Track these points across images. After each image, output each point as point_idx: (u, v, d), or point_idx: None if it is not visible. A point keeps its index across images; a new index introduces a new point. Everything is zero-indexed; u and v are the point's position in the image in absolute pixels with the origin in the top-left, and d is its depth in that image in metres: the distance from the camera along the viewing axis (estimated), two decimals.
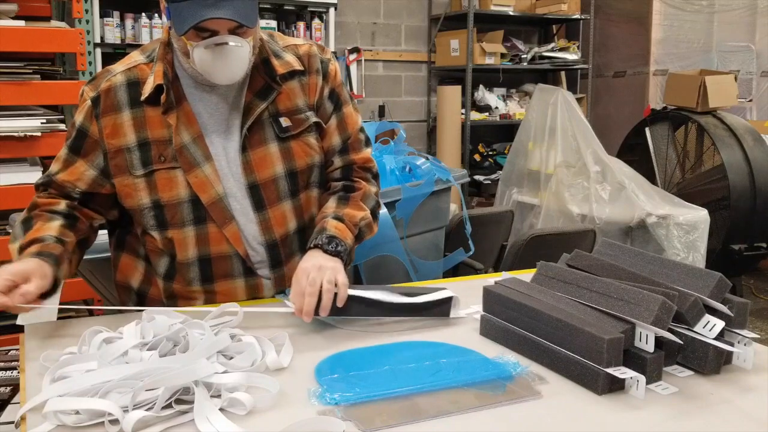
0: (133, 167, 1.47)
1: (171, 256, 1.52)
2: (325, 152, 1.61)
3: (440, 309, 1.45)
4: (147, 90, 1.46)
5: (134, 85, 1.48)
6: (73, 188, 1.50)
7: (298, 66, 1.55)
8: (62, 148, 1.53)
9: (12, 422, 1.15)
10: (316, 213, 1.59)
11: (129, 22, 4.12)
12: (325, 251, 1.44)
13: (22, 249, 1.38)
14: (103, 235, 2.42)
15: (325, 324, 1.41)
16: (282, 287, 1.57)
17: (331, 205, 1.56)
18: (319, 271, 1.35)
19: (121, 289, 1.63)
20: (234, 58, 1.40)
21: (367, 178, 1.65)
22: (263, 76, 1.52)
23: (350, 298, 1.38)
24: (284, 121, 1.53)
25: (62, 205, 1.48)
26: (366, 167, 1.65)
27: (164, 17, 1.44)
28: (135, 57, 1.53)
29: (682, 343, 1.17)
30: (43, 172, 3.23)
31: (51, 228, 1.42)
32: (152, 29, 4.14)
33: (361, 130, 1.66)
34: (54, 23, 3.43)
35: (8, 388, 2.42)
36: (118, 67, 1.51)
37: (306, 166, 1.55)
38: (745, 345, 1.23)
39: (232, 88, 1.51)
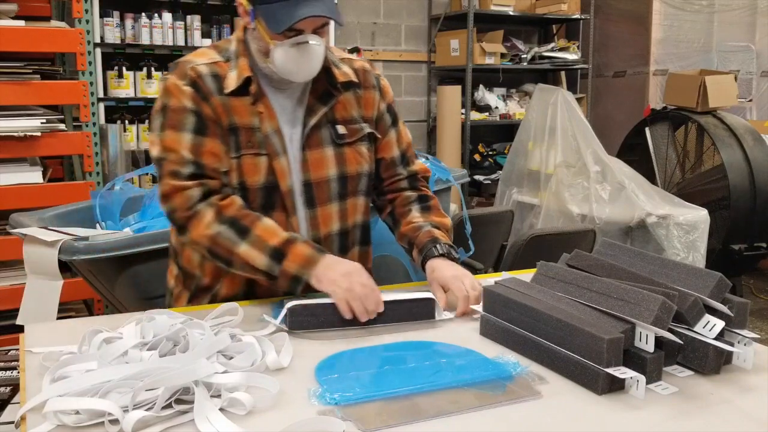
0: (230, 149, 1.54)
1: None
2: (386, 164, 1.72)
3: (424, 311, 1.46)
4: (231, 83, 1.53)
5: (217, 77, 1.54)
6: (221, 169, 1.53)
7: (354, 78, 1.65)
8: (178, 137, 1.51)
9: (12, 422, 1.15)
10: (361, 220, 1.68)
11: (129, 22, 4.11)
12: (452, 259, 1.59)
13: (279, 248, 1.45)
14: (102, 235, 2.41)
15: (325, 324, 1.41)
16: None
17: (417, 214, 1.69)
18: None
19: (185, 275, 1.65)
20: (314, 57, 1.50)
21: (427, 186, 1.79)
22: (324, 83, 1.61)
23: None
24: (340, 129, 1.62)
25: (239, 199, 1.53)
26: (426, 177, 1.79)
27: (246, 18, 1.52)
28: (211, 54, 1.58)
29: (681, 343, 1.17)
30: (44, 172, 3.26)
31: (272, 224, 1.50)
32: (152, 29, 4.13)
33: (410, 143, 1.79)
34: (54, 23, 3.43)
35: (8, 388, 2.42)
36: (199, 59, 1.57)
37: (356, 173, 1.64)
38: (745, 345, 1.23)
39: (297, 90, 1.60)
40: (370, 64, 1.74)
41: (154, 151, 1.54)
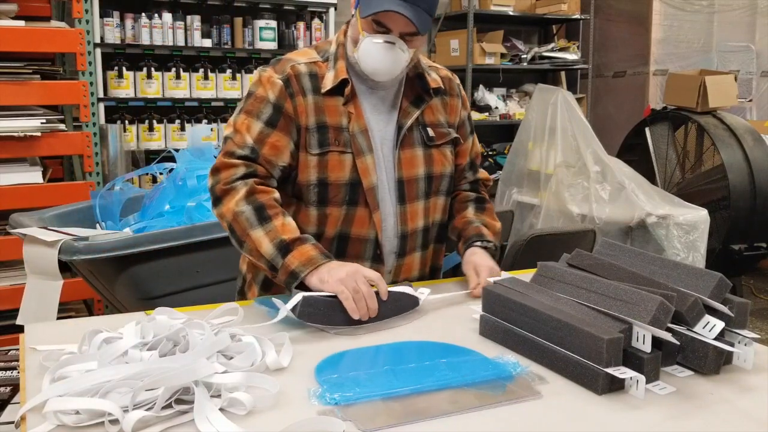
0: (310, 146, 1.61)
1: (318, 232, 1.64)
2: (459, 168, 1.83)
3: (409, 301, 1.50)
4: (328, 83, 1.62)
5: (314, 77, 1.64)
6: (277, 164, 1.60)
7: (441, 85, 1.76)
8: (250, 123, 1.60)
9: (12, 422, 1.15)
10: (439, 218, 1.77)
11: (129, 22, 4.12)
12: (491, 253, 1.70)
13: (288, 243, 1.49)
14: (102, 235, 2.42)
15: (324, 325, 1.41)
16: (397, 278, 1.71)
17: (471, 212, 1.81)
18: (496, 270, 1.63)
19: (251, 265, 1.73)
20: (395, 59, 1.57)
21: (487, 192, 1.91)
22: (417, 88, 1.71)
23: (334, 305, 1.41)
24: (430, 131, 1.72)
25: (277, 194, 1.59)
26: (487, 184, 1.92)
27: (353, 10, 1.62)
28: (312, 54, 1.68)
29: (678, 343, 1.17)
30: (44, 172, 3.26)
31: (294, 225, 1.55)
32: (152, 29, 4.14)
33: (479, 153, 1.92)
34: (54, 23, 3.43)
35: (8, 388, 2.42)
36: (300, 58, 1.67)
37: (440, 173, 1.73)
38: (745, 345, 1.23)
39: (390, 93, 1.69)
40: (452, 73, 1.83)
41: (227, 130, 1.64)
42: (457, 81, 1.83)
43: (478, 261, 1.65)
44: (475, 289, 1.59)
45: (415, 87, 1.71)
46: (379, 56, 1.56)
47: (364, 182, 1.62)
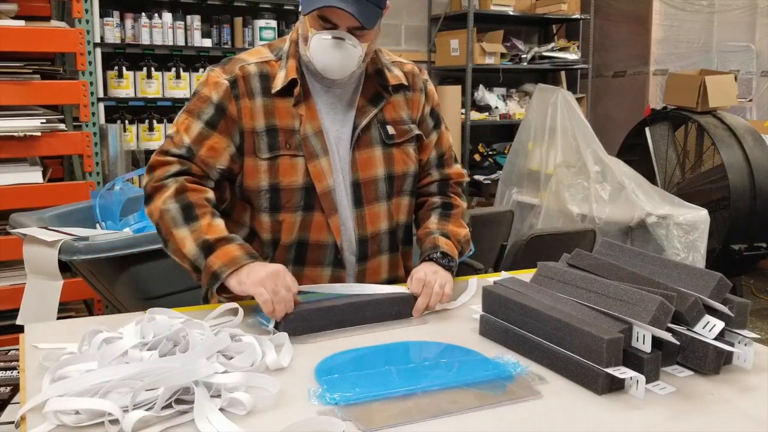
0: (260, 150, 1.57)
1: (274, 239, 1.60)
2: (422, 165, 1.75)
3: (405, 308, 1.49)
4: (279, 83, 1.57)
5: (265, 77, 1.59)
6: (214, 166, 1.56)
7: (404, 81, 1.70)
8: (190, 123, 1.56)
9: (12, 422, 1.15)
10: (405, 219, 1.71)
11: (129, 22, 4.11)
12: (441, 265, 1.59)
13: (211, 243, 1.44)
14: (102, 235, 2.42)
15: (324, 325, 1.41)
16: (362, 281, 1.64)
17: (434, 221, 1.72)
18: (434, 275, 1.54)
19: (264, 255, 1.66)
20: (346, 56, 1.51)
21: (459, 193, 1.81)
22: (375, 85, 1.66)
23: (317, 312, 1.40)
24: (390, 129, 1.65)
25: (210, 194, 1.55)
26: (459, 182, 1.82)
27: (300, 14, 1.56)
28: (264, 53, 1.63)
29: (678, 343, 1.17)
30: (44, 172, 3.26)
31: (222, 225, 1.50)
32: (152, 29, 4.14)
33: (450, 147, 1.82)
34: (54, 23, 3.43)
35: (8, 388, 2.42)
36: (250, 58, 1.61)
37: (402, 173, 1.67)
38: (745, 345, 1.23)
39: (347, 91, 1.64)
40: (419, 68, 1.78)
41: (170, 129, 1.59)
42: (424, 76, 1.77)
43: (419, 273, 1.55)
44: (416, 312, 1.50)
45: (373, 84, 1.65)
46: (328, 53, 1.50)
47: (317, 186, 1.56)
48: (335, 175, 1.59)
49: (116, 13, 4.08)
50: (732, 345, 1.19)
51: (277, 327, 1.37)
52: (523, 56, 5.73)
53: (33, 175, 3.21)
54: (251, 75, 1.57)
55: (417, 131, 1.70)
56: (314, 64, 1.54)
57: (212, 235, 1.45)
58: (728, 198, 4.29)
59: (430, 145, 1.75)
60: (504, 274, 1.58)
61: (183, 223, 1.47)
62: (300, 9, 1.54)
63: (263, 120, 1.56)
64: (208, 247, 1.44)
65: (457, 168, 1.82)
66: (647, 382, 1.13)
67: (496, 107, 5.73)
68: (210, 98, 1.56)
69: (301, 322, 1.38)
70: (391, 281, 1.68)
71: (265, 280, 1.37)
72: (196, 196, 1.51)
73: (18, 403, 1.50)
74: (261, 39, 4.49)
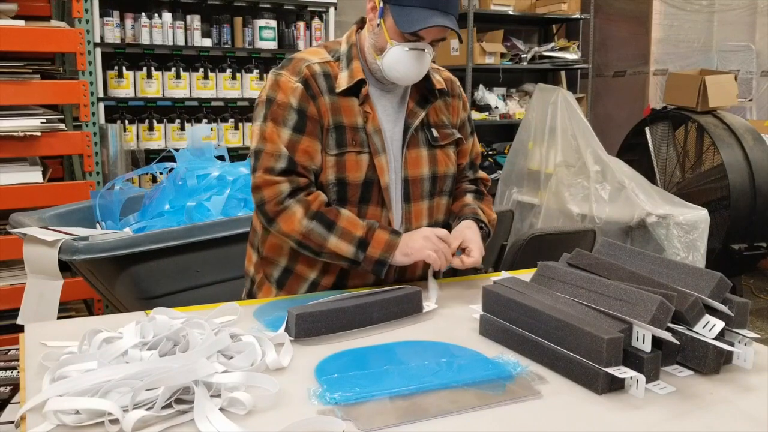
0: (329, 147, 1.64)
1: None
2: (458, 166, 1.85)
3: (413, 305, 1.50)
4: (343, 83, 1.65)
5: (328, 76, 1.66)
6: (311, 168, 1.63)
7: (444, 86, 1.79)
8: (279, 132, 1.61)
9: (12, 422, 1.15)
10: (442, 219, 1.80)
11: (129, 22, 4.11)
12: (481, 229, 1.74)
13: (362, 238, 1.59)
14: (102, 235, 2.41)
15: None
16: (402, 276, 1.73)
17: (470, 198, 1.84)
18: (478, 246, 1.68)
19: (266, 262, 1.74)
20: (423, 64, 1.64)
21: (486, 192, 1.94)
22: (422, 89, 1.74)
23: (327, 313, 1.39)
24: (434, 132, 1.76)
25: (322, 195, 1.63)
26: (486, 184, 1.95)
27: (373, 14, 1.64)
28: (323, 53, 1.70)
29: (678, 343, 1.17)
30: (44, 172, 3.26)
31: (353, 216, 1.62)
32: (152, 29, 4.14)
33: (479, 154, 1.96)
34: (54, 23, 3.43)
35: (8, 388, 2.42)
36: (313, 57, 1.68)
37: (444, 173, 1.77)
38: (745, 345, 1.23)
39: (398, 94, 1.73)
40: (453, 75, 1.86)
41: (253, 141, 1.65)
42: (458, 82, 1.86)
43: (469, 236, 1.67)
44: (461, 261, 1.64)
45: (420, 88, 1.74)
46: (409, 63, 1.60)
47: (381, 181, 1.65)
48: (390, 172, 1.68)
49: (116, 13, 4.08)
50: (732, 345, 1.19)
51: (287, 331, 1.36)
52: (523, 56, 5.73)
53: (33, 175, 3.21)
54: (317, 74, 1.64)
55: (458, 135, 1.80)
56: (389, 72, 1.63)
57: (359, 231, 1.59)
58: (728, 198, 4.29)
59: (467, 149, 1.87)
60: (504, 274, 1.58)
61: (329, 233, 1.59)
62: (379, 20, 1.61)
63: (331, 117, 1.64)
64: (362, 243, 1.59)
65: (483, 173, 1.95)
66: (647, 381, 1.13)
67: (496, 107, 5.73)
68: (289, 103, 1.62)
69: (311, 325, 1.37)
70: (424, 278, 1.73)
71: (425, 244, 1.58)
72: (318, 204, 1.60)
73: (18, 402, 1.50)
74: (261, 39, 4.49)
